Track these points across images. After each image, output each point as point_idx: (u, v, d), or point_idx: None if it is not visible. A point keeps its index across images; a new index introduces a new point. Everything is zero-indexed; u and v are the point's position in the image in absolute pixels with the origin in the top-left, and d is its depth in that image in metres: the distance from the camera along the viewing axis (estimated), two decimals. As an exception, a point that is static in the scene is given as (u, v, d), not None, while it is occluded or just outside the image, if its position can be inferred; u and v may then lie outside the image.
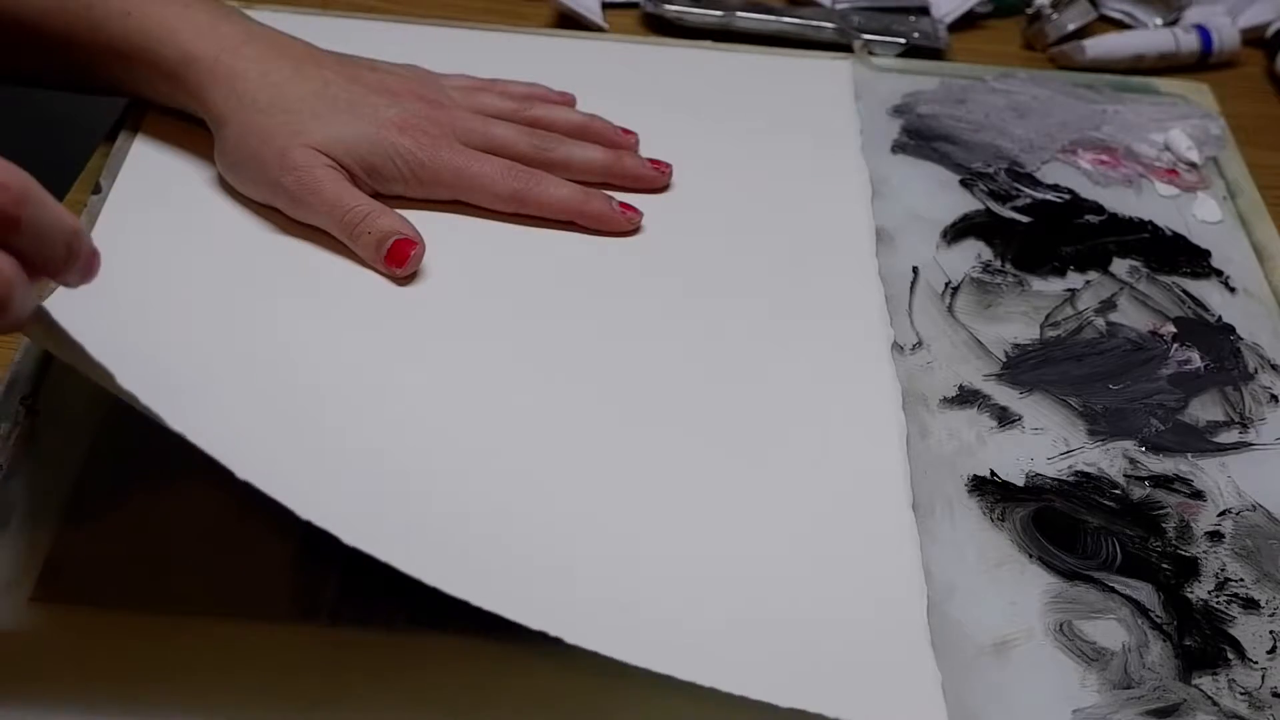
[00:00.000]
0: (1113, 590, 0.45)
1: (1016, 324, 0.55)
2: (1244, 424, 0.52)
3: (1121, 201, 0.62)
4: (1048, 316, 0.56)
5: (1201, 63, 0.74)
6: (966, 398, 0.51)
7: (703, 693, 0.40)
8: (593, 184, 0.56)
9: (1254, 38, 0.76)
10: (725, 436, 0.48)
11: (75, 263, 0.35)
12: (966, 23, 0.75)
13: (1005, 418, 0.51)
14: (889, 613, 0.43)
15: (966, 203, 0.61)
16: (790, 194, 0.59)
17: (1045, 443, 0.50)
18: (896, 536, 0.45)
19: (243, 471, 0.36)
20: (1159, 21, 0.75)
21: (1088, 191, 0.62)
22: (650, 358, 0.50)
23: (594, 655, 0.38)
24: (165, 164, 0.56)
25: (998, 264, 0.58)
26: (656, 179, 0.58)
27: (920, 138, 0.64)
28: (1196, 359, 0.54)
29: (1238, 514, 0.48)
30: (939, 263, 0.57)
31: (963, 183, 0.62)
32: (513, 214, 0.55)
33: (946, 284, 0.56)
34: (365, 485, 0.43)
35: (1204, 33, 0.73)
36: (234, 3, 0.60)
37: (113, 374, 0.35)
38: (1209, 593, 0.46)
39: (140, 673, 0.40)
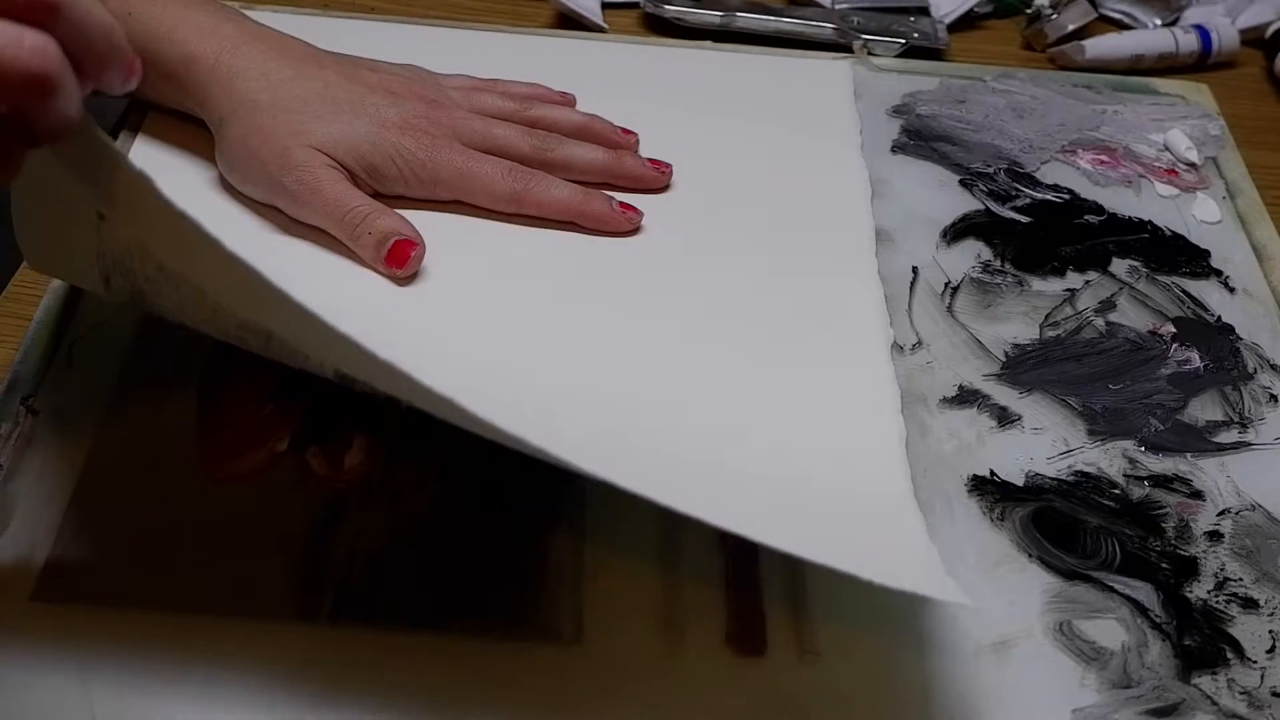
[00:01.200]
0: (1112, 590, 0.45)
1: (1016, 324, 0.55)
2: (1243, 424, 0.52)
3: (1121, 201, 0.62)
4: (1047, 316, 0.56)
5: (1201, 63, 0.74)
6: (966, 398, 0.52)
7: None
8: (593, 184, 0.56)
9: (1253, 38, 0.76)
10: (720, 434, 0.48)
11: (118, 59, 0.34)
12: (966, 23, 0.75)
13: (1005, 417, 0.51)
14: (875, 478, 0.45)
15: (966, 203, 0.61)
16: (790, 194, 0.59)
17: (1045, 442, 0.50)
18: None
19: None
20: (1158, 22, 0.75)
21: (1087, 191, 0.63)
22: (649, 354, 0.50)
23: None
24: (165, 164, 0.56)
25: (997, 264, 0.58)
26: (656, 179, 0.58)
27: (920, 138, 0.64)
28: (1196, 359, 0.54)
29: (1237, 514, 0.48)
30: (938, 263, 0.57)
31: (962, 183, 0.62)
32: (513, 214, 0.55)
33: (946, 284, 0.57)
34: None
35: (1203, 33, 0.73)
36: (234, 3, 0.60)
37: (152, 179, 0.34)
38: (1208, 592, 0.46)
39: (140, 672, 0.40)
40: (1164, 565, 0.46)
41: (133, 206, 0.36)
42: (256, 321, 0.38)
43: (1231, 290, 0.58)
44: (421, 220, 0.52)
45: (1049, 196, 0.62)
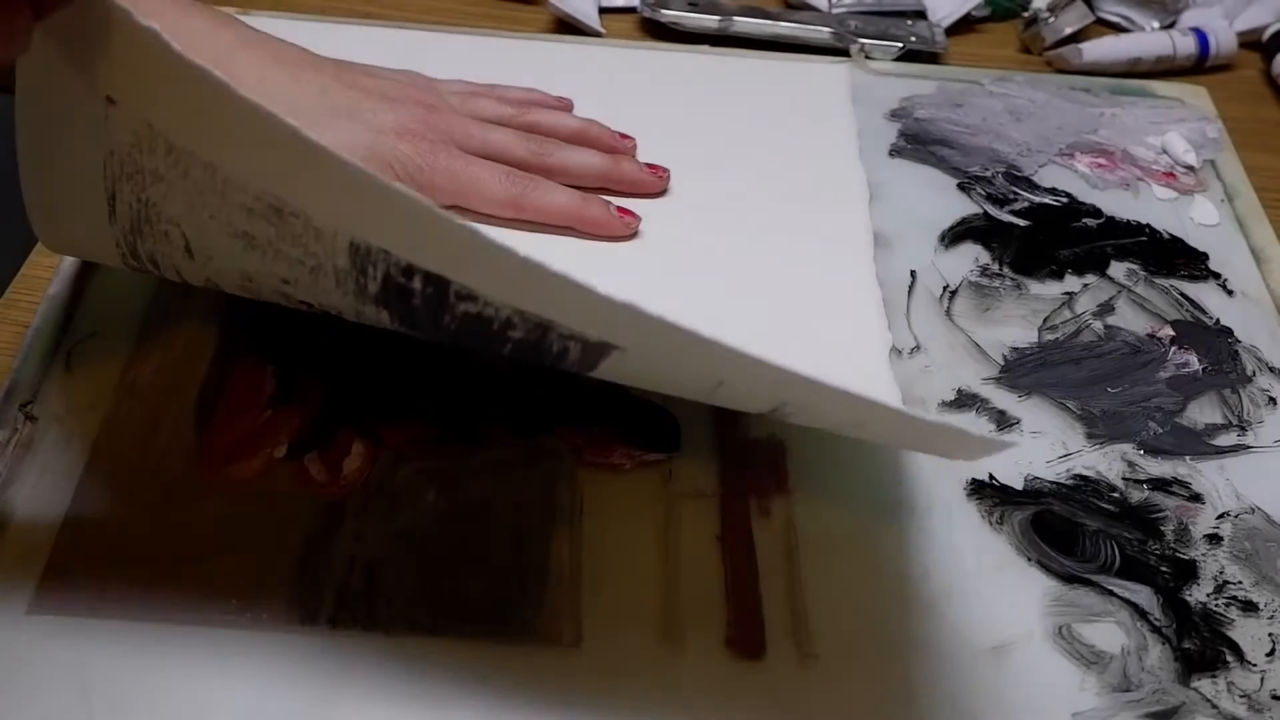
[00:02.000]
0: (1111, 593, 0.45)
1: (1014, 327, 0.55)
2: (1242, 427, 0.52)
3: (1119, 204, 0.62)
4: (1046, 320, 0.56)
5: (1198, 66, 0.74)
6: (965, 401, 0.51)
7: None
8: (590, 189, 0.56)
9: (1251, 40, 0.76)
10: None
11: None
12: (963, 26, 0.75)
13: (1004, 421, 0.51)
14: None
15: (964, 206, 0.61)
16: (788, 198, 0.59)
17: (1044, 446, 0.50)
18: None
19: None
20: (1155, 24, 0.75)
21: (1085, 195, 0.63)
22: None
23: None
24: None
25: (995, 267, 0.58)
26: (654, 184, 0.58)
27: (918, 141, 0.64)
28: (1194, 362, 0.54)
29: (1236, 517, 0.48)
30: (937, 266, 0.57)
31: (960, 186, 0.62)
32: (510, 219, 0.55)
33: (944, 288, 0.56)
34: None
35: (1201, 36, 0.73)
36: (231, 8, 0.60)
37: (160, 32, 0.33)
38: (1208, 595, 0.46)
39: (140, 682, 0.40)
40: (1163, 568, 0.46)
41: (142, 70, 0.35)
42: (269, 191, 0.37)
43: (1230, 293, 0.58)
44: (419, 225, 0.52)
45: (1047, 200, 0.62)
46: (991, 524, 0.47)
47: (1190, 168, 0.65)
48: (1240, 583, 0.46)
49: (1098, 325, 0.56)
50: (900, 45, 0.71)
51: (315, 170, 0.34)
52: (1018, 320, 0.55)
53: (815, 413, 0.39)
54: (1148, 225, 0.61)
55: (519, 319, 0.37)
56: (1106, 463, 0.50)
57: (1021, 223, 0.60)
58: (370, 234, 0.36)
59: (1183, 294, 0.58)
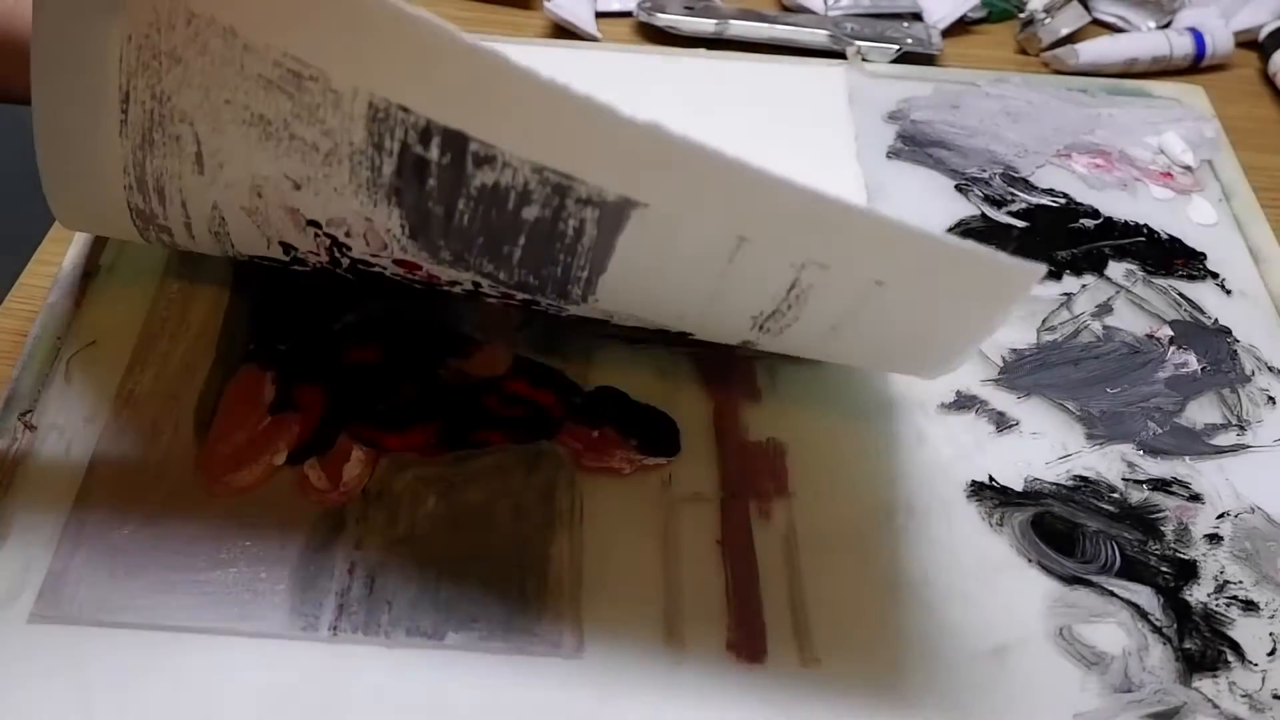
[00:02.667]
0: (1112, 594, 0.45)
1: (1013, 328, 0.55)
2: (1241, 426, 0.52)
3: (1116, 205, 0.62)
4: (1044, 320, 0.56)
5: (1195, 66, 0.74)
6: (964, 403, 0.51)
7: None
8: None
9: (1247, 40, 0.76)
10: None
11: None
12: (959, 28, 0.75)
13: (1003, 422, 0.51)
14: None
15: (962, 208, 0.61)
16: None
17: (1043, 447, 0.50)
18: None
19: None
20: (1152, 25, 0.76)
21: (1083, 195, 0.63)
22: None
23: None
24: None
25: (994, 269, 0.58)
26: (652, 187, 0.58)
27: (915, 143, 0.64)
28: (1193, 362, 0.54)
29: (1236, 516, 0.48)
30: (935, 268, 0.57)
31: (958, 188, 0.62)
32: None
33: (943, 289, 0.56)
34: None
35: (1197, 36, 0.73)
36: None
37: None
38: (1208, 595, 0.46)
39: (140, 691, 0.40)
40: (1164, 569, 0.46)
41: None
42: (289, 52, 0.36)
43: (1228, 292, 0.58)
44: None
45: (1045, 201, 0.62)
46: (991, 525, 0.47)
47: (1187, 167, 0.65)
48: (1241, 582, 0.46)
49: (1096, 326, 0.56)
50: (897, 47, 0.71)
51: (334, 10, 0.33)
52: (1016, 321, 0.55)
53: (838, 273, 0.37)
54: (1145, 225, 0.61)
55: (537, 183, 0.36)
56: (1106, 463, 0.50)
57: (1019, 224, 0.61)
58: (390, 87, 0.35)
59: (1181, 294, 0.58)
